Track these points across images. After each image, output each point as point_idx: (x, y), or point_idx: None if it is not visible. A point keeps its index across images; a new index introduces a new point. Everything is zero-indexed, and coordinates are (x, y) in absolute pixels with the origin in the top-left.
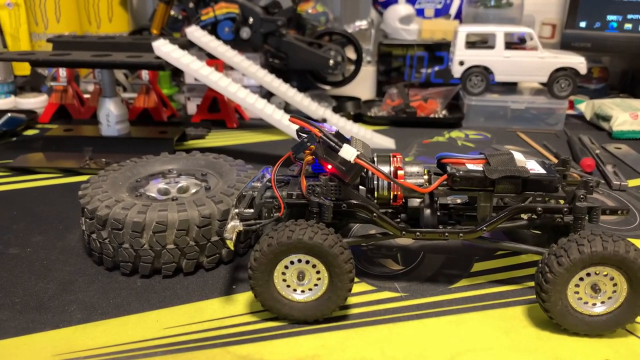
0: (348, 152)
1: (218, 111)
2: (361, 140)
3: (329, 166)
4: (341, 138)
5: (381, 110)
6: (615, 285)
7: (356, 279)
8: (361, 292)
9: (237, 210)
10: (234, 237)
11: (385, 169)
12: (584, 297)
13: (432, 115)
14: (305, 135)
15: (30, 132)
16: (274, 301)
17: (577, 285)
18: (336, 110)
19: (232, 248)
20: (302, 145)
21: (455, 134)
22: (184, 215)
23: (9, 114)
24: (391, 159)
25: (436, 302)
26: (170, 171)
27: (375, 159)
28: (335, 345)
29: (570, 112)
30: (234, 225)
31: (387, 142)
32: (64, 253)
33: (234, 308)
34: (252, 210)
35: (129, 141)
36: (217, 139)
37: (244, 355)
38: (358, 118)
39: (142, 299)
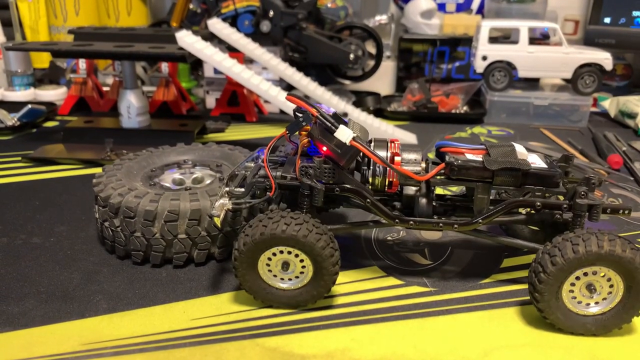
0: (344, 134)
1: (237, 105)
2: (359, 124)
3: (324, 148)
4: (338, 119)
5: (401, 106)
6: (611, 286)
7: (384, 273)
8: (390, 287)
9: (227, 189)
10: (221, 215)
11: (382, 154)
12: (578, 296)
13: (453, 111)
14: (301, 115)
15: (49, 123)
16: (265, 293)
17: (572, 284)
18: (356, 105)
19: (220, 226)
20: (297, 125)
21: (477, 129)
22: (196, 205)
23: (29, 106)
24: (389, 144)
25: (467, 297)
26: (185, 162)
27: (372, 143)
28: (365, 339)
29: (593, 109)
30: (223, 203)
31: (409, 137)
32: (87, 243)
33: None
34: (242, 190)
35: (150, 133)
36: (237, 132)
37: (273, 347)
38: (378, 113)
39: (167, 290)
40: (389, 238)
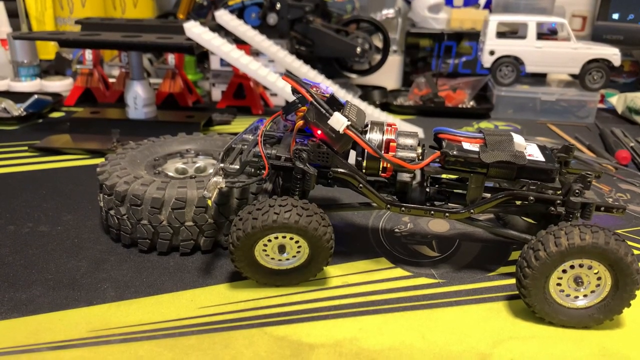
0: (338, 122)
1: (243, 98)
2: (356, 106)
3: (319, 131)
4: (334, 103)
5: (408, 100)
6: (599, 279)
7: (392, 265)
8: (397, 278)
9: (222, 165)
10: (213, 195)
11: (378, 138)
12: (566, 289)
13: (460, 106)
14: (298, 95)
15: (55, 114)
16: (267, 275)
17: (559, 278)
18: (362, 99)
19: (211, 205)
20: (292, 106)
21: (484, 124)
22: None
23: (36, 96)
24: (385, 128)
25: (474, 289)
26: (187, 151)
27: (368, 127)
28: (373, 328)
29: (600, 105)
30: (216, 182)
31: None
32: (94, 232)
33: (269, 289)
34: (237, 167)
35: (156, 124)
36: (243, 124)
37: (281, 336)
38: (385, 107)
39: (175, 278)
40: (397, 230)
